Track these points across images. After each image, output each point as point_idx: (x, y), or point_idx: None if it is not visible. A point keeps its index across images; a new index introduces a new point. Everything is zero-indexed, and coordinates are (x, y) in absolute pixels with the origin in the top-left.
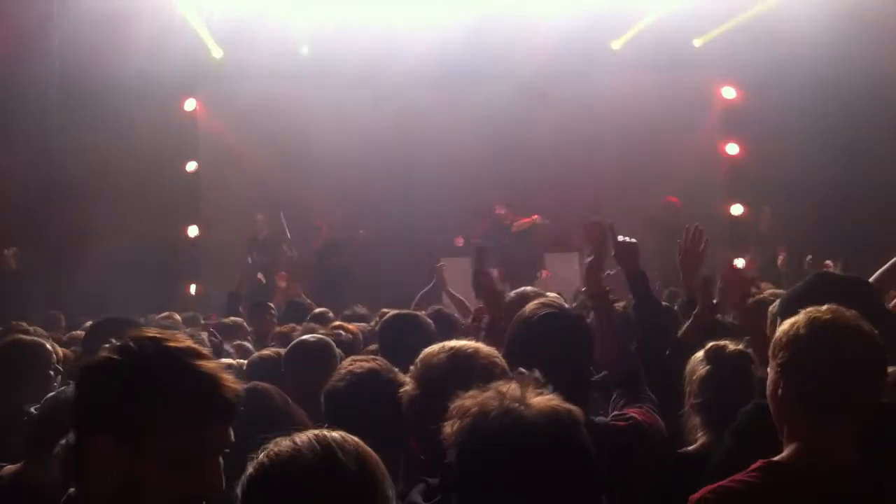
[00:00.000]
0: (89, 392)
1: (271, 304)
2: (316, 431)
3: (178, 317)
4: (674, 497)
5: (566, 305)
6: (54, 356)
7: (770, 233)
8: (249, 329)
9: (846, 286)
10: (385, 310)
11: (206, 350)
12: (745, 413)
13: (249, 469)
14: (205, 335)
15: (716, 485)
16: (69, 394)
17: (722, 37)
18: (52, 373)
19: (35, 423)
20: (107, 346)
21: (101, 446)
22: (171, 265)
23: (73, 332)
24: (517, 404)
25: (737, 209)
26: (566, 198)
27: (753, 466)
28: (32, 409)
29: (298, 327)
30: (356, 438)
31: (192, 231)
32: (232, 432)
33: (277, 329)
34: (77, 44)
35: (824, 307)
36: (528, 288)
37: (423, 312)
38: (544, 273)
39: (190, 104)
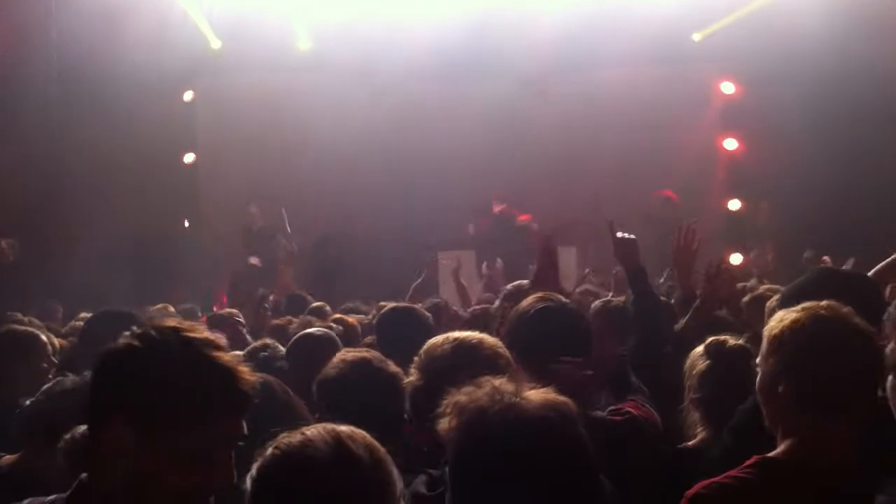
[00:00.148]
0: (108, 377)
1: (267, 294)
2: (324, 424)
3: (172, 309)
4: (673, 492)
5: (563, 299)
6: (49, 347)
7: (767, 228)
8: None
9: (846, 282)
10: (383, 303)
11: (223, 342)
12: (743, 410)
13: (259, 461)
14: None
15: (710, 480)
16: (65, 385)
17: (721, 32)
18: (45, 365)
19: (31, 415)
20: (127, 333)
21: (114, 432)
22: (169, 257)
23: (74, 323)
24: (516, 399)
25: (735, 204)
26: (565, 192)
27: (748, 462)
28: (27, 402)
29: (295, 320)
30: (362, 431)
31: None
32: (245, 425)
33: (274, 322)
34: (75, 37)
35: (822, 303)
36: (525, 282)
37: (420, 305)
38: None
39: (188, 96)
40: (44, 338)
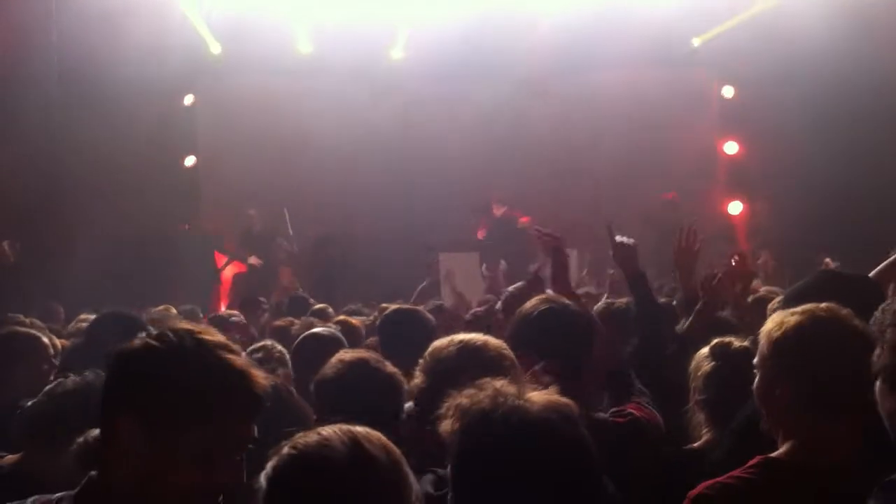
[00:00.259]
0: (124, 377)
1: (262, 299)
2: (339, 425)
3: (174, 310)
4: (678, 494)
5: (566, 301)
6: (51, 349)
7: (767, 231)
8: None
9: (848, 283)
10: (385, 305)
11: (236, 346)
12: (744, 412)
13: (275, 460)
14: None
15: (713, 481)
16: (67, 386)
17: (721, 35)
18: (46, 366)
19: (32, 416)
20: (143, 334)
21: (127, 431)
22: (168, 259)
23: (76, 325)
24: (519, 401)
25: (735, 206)
26: (565, 194)
27: (751, 463)
28: (29, 403)
29: (297, 321)
30: (377, 432)
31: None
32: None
33: (275, 323)
34: (76, 39)
35: (822, 305)
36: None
37: (424, 307)
38: (537, 268)
39: (189, 99)
40: (45, 339)
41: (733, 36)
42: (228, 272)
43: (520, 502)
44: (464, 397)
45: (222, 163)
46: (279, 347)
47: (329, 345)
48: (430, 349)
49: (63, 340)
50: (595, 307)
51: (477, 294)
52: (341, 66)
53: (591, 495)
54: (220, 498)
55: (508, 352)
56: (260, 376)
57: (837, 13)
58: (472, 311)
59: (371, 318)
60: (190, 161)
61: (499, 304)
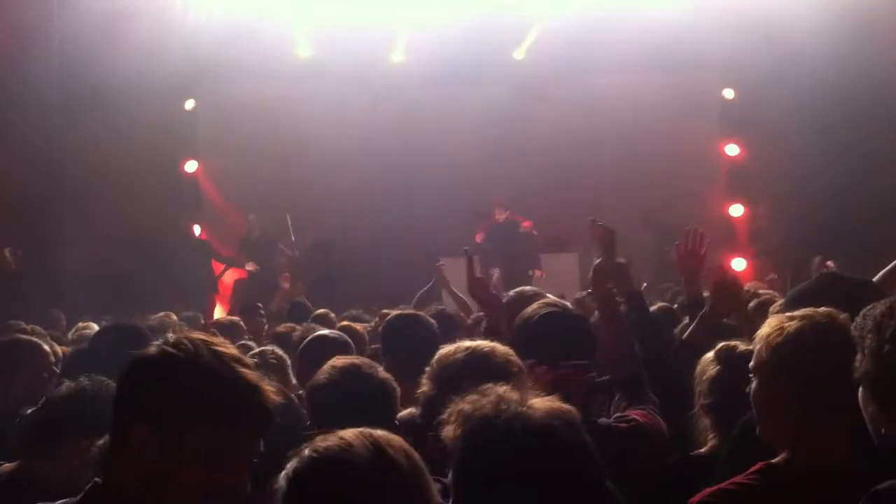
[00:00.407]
0: (139, 382)
1: (260, 305)
2: (360, 429)
3: (174, 317)
4: (685, 500)
5: (568, 305)
6: (52, 356)
7: (767, 235)
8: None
9: (850, 287)
10: (386, 311)
11: (249, 359)
12: (745, 419)
13: (296, 463)
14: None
15: (715, 487)
16: (62, 392)
17: (721, 38)
18: (47, 374)
19: (30, 423)
20: (159, 341)
21: (140, 437)
22: (167, 265)
23: (79, 332)
24: (522, 408)
25: (736, 210)
26: (566, 198)
27: (752, 469)
28: (28, 411)
29: (298, 327)
30: (398, 437)
31: (194, 231)
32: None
33: (277, 329)
34: (77, 44)
35: (820, 310)
36: (527, 287)
37: (426, 312)
38: (538, 273)
39: (189, 104)
40: (46, 347)
41: (734, 39)
42: (228, 278)
43: None
44: (466, 403)
45: (222, 167)
46: (279, 353)
47: (336, 348)
48: (436, 356)
49: (64, 347)
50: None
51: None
52: (341, 71)
53: (593, 502)
54: None
55: (516, 358)
56: (271, 391)
57: (837, 16)
58: (473, 316)
59: (372, 324)
60: (191, 166)
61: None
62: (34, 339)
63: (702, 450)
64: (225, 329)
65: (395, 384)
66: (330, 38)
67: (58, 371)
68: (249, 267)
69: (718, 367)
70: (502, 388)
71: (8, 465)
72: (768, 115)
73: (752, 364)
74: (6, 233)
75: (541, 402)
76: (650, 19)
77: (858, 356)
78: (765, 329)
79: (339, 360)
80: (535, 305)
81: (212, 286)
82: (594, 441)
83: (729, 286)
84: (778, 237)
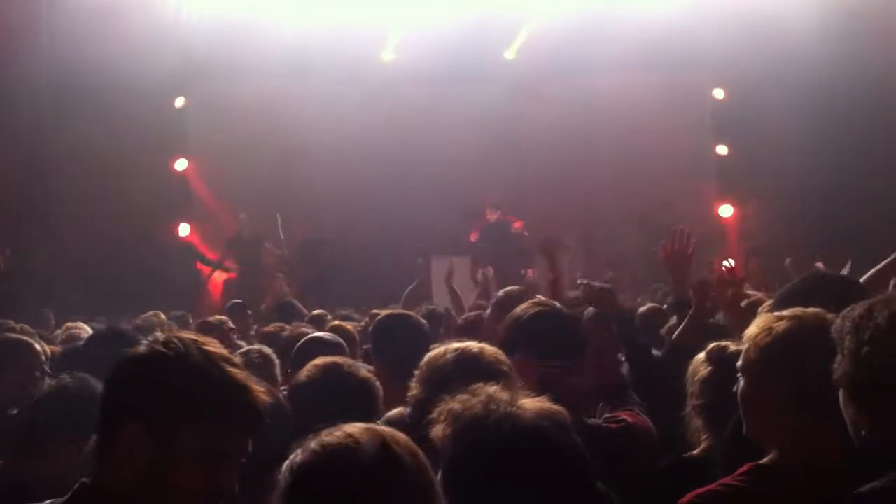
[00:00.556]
0: (130, 381)
1: (245, 304)
2: (365, 425)
3: (163, 316)
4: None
5: (558, 304)
6: (42, 356)
7: (758, 234)
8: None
9: (836, 286)
10: (375, 311)
11: (237, 359)
12: (736, 418)
13: (301, 456)
14: None
15: (704, 489)
16: (46, 390)
17: (713, 37)
18: (38, 373)
19: (14, 423)
20: (149, 340)
21: (132, 437)
22: (160, 263)
23: (68, 332)
24: (512, 408)
25: (726, 210)
26: (559, 197)
27: (741, 470)
28: (16, 410)
29: (287, 327)
30: (403, 435)
31: (183, 229)
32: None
33: (265, 329)
34: (67, 41)
35: (810, 310)
36: (516, 287)
37: (416, 312)
38: (530, 272)
39: (180, 102)
40: (37, 346)
41: (725, 38)
42: (218, 277)
43: None
44: (456, 402)
45: (213, 166)
46: (265, 352)
47: (329, 350)
48: (425, 359)
49: (53, 347)
50: (585, 312)
51: (467, 299)
52: (333, 69)
53: (581, 501)
54: None
55: (505, 358)
56: (260, 391)
57: (829, 15)
58: (464, 316)
59: (362, 323)
60: (181, 164)
61: (488, 310)
62: (24, 337)
63: (695, 451)
64: (213, 328)
65: (376, 383)
66: (322, 36)
67: (49, 370)
68: (229, 265)
69: (710, 368)
70: (492, 388)
71: None
72: (759, 115)
73: (739, 363)
74: None
75: (531, 403)
76: (642, 19)
77: (838, 358)
78: (753, 329)
79: (320, 360)
80: (525, 305)
81: (201, 286)
82: (584, 441)
83: (712, 287)
84: (767, 238)
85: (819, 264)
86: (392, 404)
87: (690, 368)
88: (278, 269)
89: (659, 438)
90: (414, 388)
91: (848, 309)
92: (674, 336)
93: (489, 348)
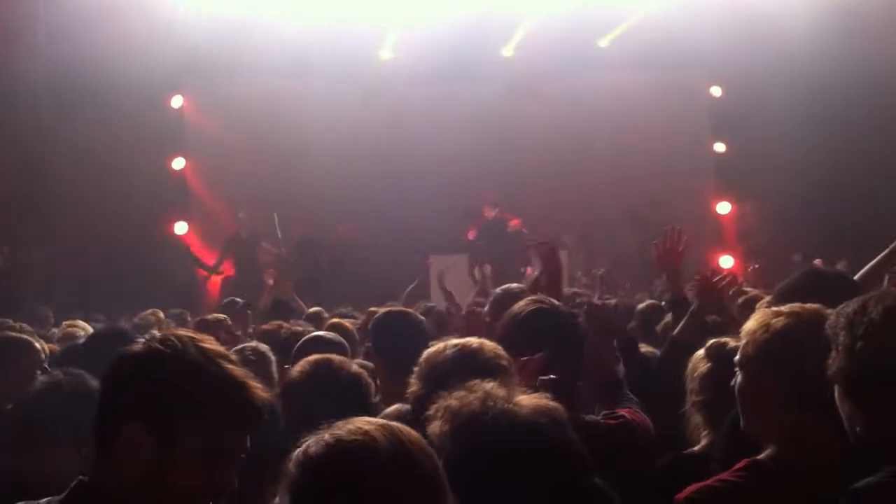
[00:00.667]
0: (128, 379)
1: (237, 299)
2: (376, 420)
3: (161, 314)
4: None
5: (556, 302)
6: (42, 354)
7: (756, 233)
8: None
9: (832, 283)
10: (373, 309)
11: (234, 356)
12: (734, 413)
13: (313, 448)
14: None
15: (701, 484)
16: (37, 387)
17: (710, 35)
18: (39, 371)
19: (9, 420)
20: (145, 337)
21: (134, 435)
22: (158, 261)
23: (67, 330)
24: (509, 404)
25: (724, 207)
26: (556, 195)
27: (739, 466)
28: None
29: (286, 325)
30: (415, 432)
31: (181, 227)
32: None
33: (264, 327)
34: (65, 40)
35: (808, 305)
36: (514, 285)
37: (415, 310)
38: (529, 270)
39: (177, 101)
40: (37, 344)
41: (722, 36)
42: (217, 276)
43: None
44: (453, 399)
45: (210, 165)
46: (260, 350)
47: (330, 348)
48: (425, 355)
49: (52, 345)
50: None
51: (466, 297)
52: (331, 68)
53: (579, 497)
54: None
55: (504, 354)
56: (258, 388)
57: (826, 12)
58: (463, 312)
59: (359, 322)
60: (178, 163)
61: (486, 307)
62: (24, 336)
63: (695, 448)
64: (210, 326)
65: (367, 378)
66: (320, 35)
67: (48, 369)
68: (224, 266)
69: (709, 365)
70: (489, 385)
71: None
72: (756, 113)
73: (737, 358)
74: None
75: (527, 399)
76: (639, 17)
77: (832, 354)
78: (751, 324)
79: (312, 357)
80: (523, 302)
81: (199, 284)
82: (582, 438)
83: (712, 284)
84: (766, 235)
85: (817, 261)
86: (391, 401)
87: (690, 365)
88: (275, 267)
89: (659, 436)
90: (413, 384)
91: (842, 305)
92: (674, 333)
93: (489, 344)
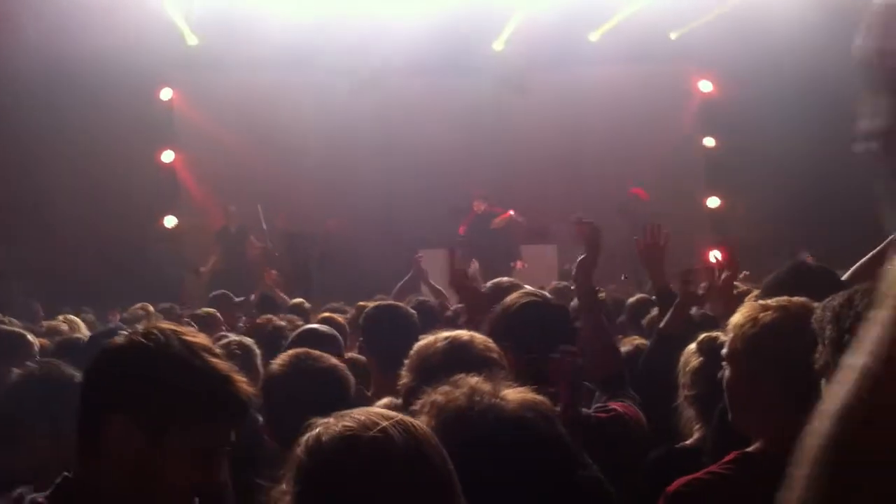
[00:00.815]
0: (113, 372)
1: (229, 293)
2: (387, 411)
3: (151, 308)
4: None
5: (548, 295)
6: (35, 347)
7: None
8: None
9: (824, 277)
10: (362, 303)
11: (217, 349)
12: (723, 405)
13: (323, 437)
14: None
15: (690, 477)
16: (13, 379)
17: (699, 30)
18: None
19: None
20: (128, 331)
21: (120, 429)
22: (147, 255)
23: (51, 323)
24: (495, 399)
25: (713, 202)
26: (546, 188)
27: (727, 458)
28: None
29: (276, 318)
30: (426, 427)
31: (170, 221)
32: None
33: (255, 321)
34: (54, 33)
35: (795, 299)
36: (504, 278)
37: (406, 303)
38: (518, 264)
39: (166, 93)
40: (31, 338)
41: (711, 30)
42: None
43: (496, 499)
44: (439, 394)
45: (200, 157)
46: (245, 343)
47: (324, 340)
48: (415, 347)
49: (42, 339)
50: (571, 304)
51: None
52: (321, 61)
53: (568, 491)
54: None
55: (495, 347)
56: (243, 381)
57: (816, 6)
58: (453, 307)
59: (348, 316)
60: (168, 156)
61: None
62: (18, 329)
63: (687, 441)
64: (201, 321)
65: (346, 371)
66: (310, 28)
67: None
68: (210, 263)
69: (701, 359)
70: (474, 379)
71: None
72: (746, 108)
73: (724, 352)
74: None
75: (514, 394)
76: (629, 11)
77: (819, 348)
78: (738, 317)
79: (291, 350)
80: (515, 295)
81: (189, 278)
82: (575, 430)
83: (695, 276)
84: (754, 229)
85: (808, 256)
86: (384, 394)
87: (682, 359)
88: (262, 261)
89: (651, 428)
90: (404, 377)
91: (828, 298)
92: (660, 325)
93: (479, 337)
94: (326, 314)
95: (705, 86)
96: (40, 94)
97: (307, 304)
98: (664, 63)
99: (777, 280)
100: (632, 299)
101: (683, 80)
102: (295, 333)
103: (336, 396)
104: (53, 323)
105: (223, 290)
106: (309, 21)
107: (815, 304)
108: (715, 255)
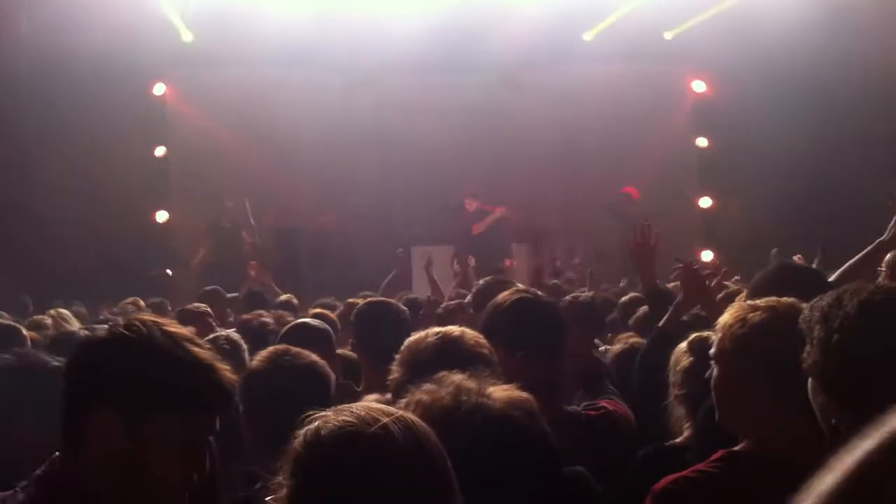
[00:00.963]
0: (96, 365)
1: (219, 288)
2: (389, 408)
3: (141, 303)
4: None
5: (539, 292)
6: (29, 341)
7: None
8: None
9: (813, 277)
10: (351, 300)
11: (199, 339)
12: (709, 404)
13: (323, 432)
14: None
15: (677, 475)
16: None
17: (694, 30)
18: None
19: None
20: (109, 323)
21: (105, 421)
22: (139, 250)
23: (36, 317)
24: (481, 398)
25: (706, 202)
26: (540, 187)
27: (714, 457)
28: None
29: (265, 314)
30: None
31: (161, 216)
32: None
33: (244, 316)
34: (47, 28)
35: (784, 299)
36: (497, 276)
37: (396, 300)
38: (508, 262)
39: (159, 89)
40: (25, 332)
41: (706, 30)
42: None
43: (483, 498)
44: (424, 393)
45: (193, 153)
46: (233, 338)
47: (316, 334)
48: (406, 343)
49: (32, 333)
50: (561, 301)
51: (446, 288)
52: (317, 58)
53: (557, 489)
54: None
55: (486, 343)
56: (226, 370)
57: (811, 5)
58: (444, 304)
59: (337, 312)
60: (160, 151)
61: (468, 298)
62: (13, 322)
63: (677, 439)
64: (192, 316)
65: (327, 368)
66: (305, 24)
67: None
68: (197, 260)
69: (692, 358)
70: (458, 377)
71: None
72: (740, 108)
73: (712, 351)
74: None
75: (500, 392)
76: (624, 11)
77: (807, 347)
78: (726, 318)
79: (270, 348)
80: (506, 292)
81: (180, 274)
82: (564, 428)
83: (696, 277)
84: (746, 229)
85: (797, 256)
86: (374, 390)
87: (673, 358)
88: (252, 256)
89: (641, 426)
90: (395, 372)
91: (816, 298)
92: (660, 324)
93: (470, 332)
94: (318, 310)
95: (699, 86)
96: (33, 89)
97: (295, 301)
98: (658, 63)
99: (764, 280)
100: (625, 298)
101: (678, 80)
102: (286, 328)
103: (316, 393)
104: (38, 317)
105: (215, 286)
106: (305, 18)
107: (804, 305)
108: (705, 256)
